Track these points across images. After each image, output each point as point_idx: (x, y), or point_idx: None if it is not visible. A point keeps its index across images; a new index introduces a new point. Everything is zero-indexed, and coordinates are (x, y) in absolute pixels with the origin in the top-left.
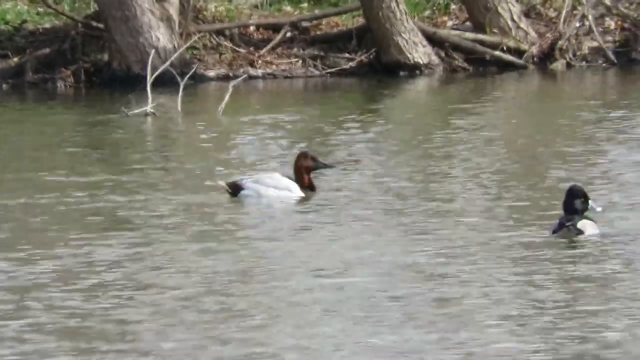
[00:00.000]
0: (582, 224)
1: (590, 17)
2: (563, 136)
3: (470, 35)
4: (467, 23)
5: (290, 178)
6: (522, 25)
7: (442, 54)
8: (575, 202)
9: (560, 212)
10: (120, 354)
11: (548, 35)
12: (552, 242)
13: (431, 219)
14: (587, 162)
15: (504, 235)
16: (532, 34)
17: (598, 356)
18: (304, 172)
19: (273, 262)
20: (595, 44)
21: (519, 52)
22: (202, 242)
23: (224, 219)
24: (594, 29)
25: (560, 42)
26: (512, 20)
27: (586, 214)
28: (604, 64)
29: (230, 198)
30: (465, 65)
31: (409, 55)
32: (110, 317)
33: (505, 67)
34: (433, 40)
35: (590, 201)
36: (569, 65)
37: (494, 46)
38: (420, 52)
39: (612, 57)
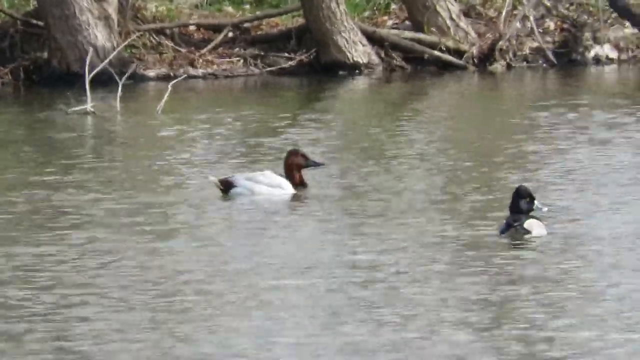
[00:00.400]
0: (529, 223)
1: (531, 18)
2: (504, 136)
3: (409, 34)
4: (407, 22)
5: (282, 176)
6: (462, 24)
7: (382, 54)
8: (520, 202)
9: (507, 212)
10: (66, 353)
11: (488, 35)
12: (499, 242)
13: (376, 219)
14: (530, 162)
15: (453, 235)
16: (472, 34)
17: (541, 355)
18: (295, 169)
19: (238, 260)
20: (535, 44)
21: (459, 52)
22: (160, 241)
23: (184, 219)
24: (535, 29)
25: (500, 43)
26: (451, 19)
27: (532, 214)
28: (544, 65)
29: (221, 195)
30: (404, 64)
31: (348, 55)
32: (59, 316)
33: (444, 67)
34: (373, 40)
35: (535, 202)
36: (509, 66)
37: (433, 46)
38: (359, 51)
39: (552, 58)
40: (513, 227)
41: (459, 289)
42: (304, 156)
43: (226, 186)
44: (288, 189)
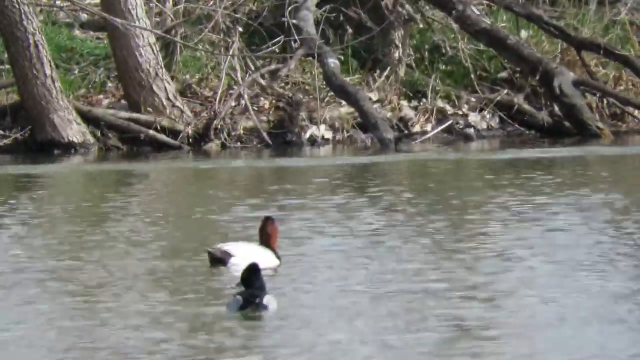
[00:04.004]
0: (267, 299)
1: (245, 96)
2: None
3: (124, 114)
4: (123, 101)
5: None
6: (178, 104)
7: (98, 133)
8: (258, 277)
9: None
10: None
11: (204, 114)
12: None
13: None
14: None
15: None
16: (188, 113)
17: None
18: (273, 237)
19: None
20: (250, 123)
21: (174, 132)
22: None
23: None
24: (250, 108)
25: (215, 122)
26: (167, 99)
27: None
28: (258, 145)
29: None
30: (119, 144)
31: (63, 133)
32: None
33: (160, 147)
34: (88, 119)
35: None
36: (224, 146)
37: (149, 125)
38: (74, 130)
39: (266, 138)
40: (254, 304)
41: None
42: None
43: (224, 257)
44: (274, 260)
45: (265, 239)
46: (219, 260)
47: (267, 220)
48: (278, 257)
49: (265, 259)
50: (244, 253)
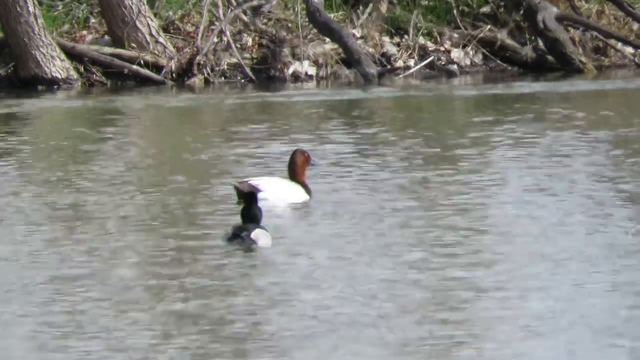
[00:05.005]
0: (255, 234)
1: (227, 33)
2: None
3: (108, 49)
4: (106, 37)
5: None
6: (161, 39)
7: (81, 69)
8: (253, 209)
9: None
10: None
11: (186, 50)
12: (225, 251)
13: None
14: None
15: (179, 244)
16: (171, 48)
17: None
18: (303, 169)
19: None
20: (233, 60)
21: (157, 67)
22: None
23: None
24: (232, 45)
25: (198, 57)
26: (150, 34)
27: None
28: (242, 80)
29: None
30: (103, 79)
31: (46, 70)
32: None
33: (143, 81)
34: (72, 55)
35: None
36: (207, 81)
37: (132, 60)
38: (58, 66)
39: (249, 73)
40: (240, 237)
41: (176, 298)
42: (309, 155)
43: (250, 190)
44: (303, 195)
45: (293, 173)
46: (247, 195)
47: (295, 153)
48: (308, 192)
49: (293, 193)
50: (273, 188)
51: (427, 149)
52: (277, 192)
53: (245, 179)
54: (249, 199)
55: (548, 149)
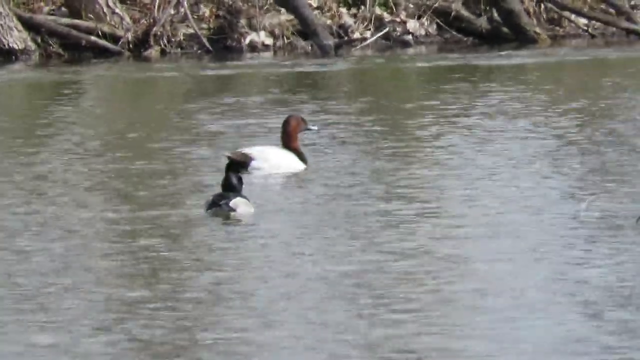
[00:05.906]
0: (234, 202)
1: (185, 4)
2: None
3: (65, 20)
4: (64, 9)
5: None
6: (118, 10)
7: (39, 40)
8: (232, 178)
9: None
10: None
11: (143, 21)
12: (205, 221)
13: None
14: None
15: (158, 214)
16: (128, 20)
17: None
18: (296, 135)
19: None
20: (190, 30)
21: (115, 38)
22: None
23: None
24: (189, 15)
25: (155, 28)
26: (108, 6)
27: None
28: (199, 51)
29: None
30: (60, 51)
31: (3, 40)
32: None
33: (101, 53)
34: (29, 26)
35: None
36: (163, 52)
37: (90, 32)
38: (15, 37)
39: (206, 44)
40: (218, 205)
41: (159, 267)
42: (304, 121)
43: (244, 160)
44: (298, 164)
45: (286, 140)
46: (240, 163)
47: (289, 118)
48: (303, 160)
49: (288, 162)
50: (266, 156)
51: (381, 119)
52: (271, 161)
53: (239, 149)
54: (228, 167)
55: (498, 120)
